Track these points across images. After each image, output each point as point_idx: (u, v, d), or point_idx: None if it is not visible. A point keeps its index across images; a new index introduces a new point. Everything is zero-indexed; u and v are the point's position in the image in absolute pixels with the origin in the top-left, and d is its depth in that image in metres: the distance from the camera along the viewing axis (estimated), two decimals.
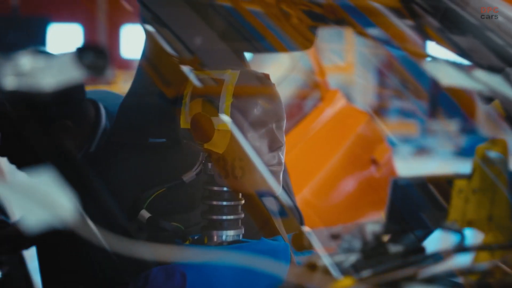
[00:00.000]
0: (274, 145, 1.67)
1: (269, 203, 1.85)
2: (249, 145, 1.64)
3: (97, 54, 0.96)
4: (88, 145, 2.09)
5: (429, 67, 1.37)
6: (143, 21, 1.82)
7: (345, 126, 3.41)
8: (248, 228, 1.74)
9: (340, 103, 3.50)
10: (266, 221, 1.81)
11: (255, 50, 2.07)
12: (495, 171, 1.29)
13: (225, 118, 1.63)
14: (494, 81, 1.38)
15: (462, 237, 1.20)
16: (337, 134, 3.38)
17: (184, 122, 1.67)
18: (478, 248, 1.27)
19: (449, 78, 1.41)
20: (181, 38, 1.80)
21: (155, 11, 1.81)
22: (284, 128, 1.72)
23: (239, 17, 1.87)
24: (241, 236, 1.71)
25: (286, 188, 2.08)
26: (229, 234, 1.69)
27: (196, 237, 1.72)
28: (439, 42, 1.63)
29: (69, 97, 2.07)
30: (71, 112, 2.08)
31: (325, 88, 3.58)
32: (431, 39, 1.65)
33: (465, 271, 1.22)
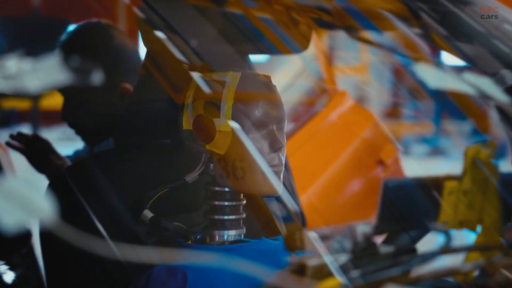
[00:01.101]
0: (275, 146, 1.69)
1: (272, 204, 1.87)
2: (250, 146, 1.66)
3: (84, 58, 0.99)
4: None
5: (422, 71, 1.38)
6: (153, 26, 1.83)
7: (351, 128, 3.39)
8: (250, 228, 1.76)
9: (346, 104, 3.49)
10: (268, 221, 1.82)
11: (257, 51, 2.08)
12: (487, 172, 1.30)
13: (227, 119, 1.65)
14: (487, 84, 1.38)
15: (452, 238, 1.21)
16: (343, 135, 3.37)
17: (187, 123, 1.70)
18: (469, 249, 1.28)
19: (445, 82, 1.41)
20: (188, 42, 1.82)
21: (163, 15, 1.83)
22: (285, 129, 1.73)
23: (242, 18, 1.88)
24: (242, 235, 1.73)
25: (290, 190, 2.09)
26: (230, 234, 1.71)
27: (198, 237, 1.74)
28: (445, 49, 1.63)
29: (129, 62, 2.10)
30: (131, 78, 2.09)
31: (333, 93, 3.56)
32: (438, 46, 1.65)
33: (456, 272, 1.23)
